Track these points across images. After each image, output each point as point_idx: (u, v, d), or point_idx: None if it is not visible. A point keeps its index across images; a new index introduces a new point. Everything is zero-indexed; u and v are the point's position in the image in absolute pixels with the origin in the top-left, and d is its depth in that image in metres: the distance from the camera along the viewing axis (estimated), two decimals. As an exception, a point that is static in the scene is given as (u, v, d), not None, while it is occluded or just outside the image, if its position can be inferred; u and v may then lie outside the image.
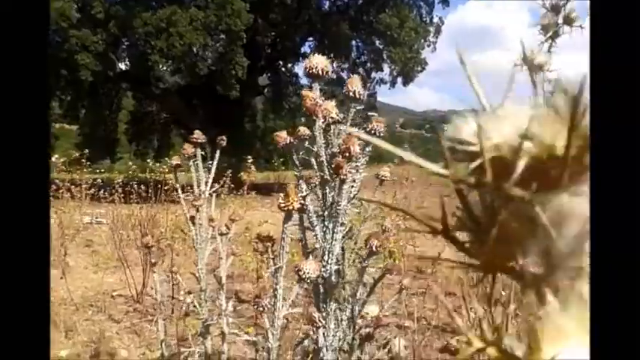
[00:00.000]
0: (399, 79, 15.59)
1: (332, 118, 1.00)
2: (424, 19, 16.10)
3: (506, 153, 0.24)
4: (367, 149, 1.06)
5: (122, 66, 14.04)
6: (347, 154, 0.95)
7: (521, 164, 0.25)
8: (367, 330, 1.02)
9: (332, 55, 16.20)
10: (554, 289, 0.31)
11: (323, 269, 0.98)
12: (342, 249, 1.03)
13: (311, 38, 15.99)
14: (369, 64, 16.67)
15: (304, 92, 1.00)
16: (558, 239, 0.26)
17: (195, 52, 10.40)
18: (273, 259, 0.91)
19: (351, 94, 1.02)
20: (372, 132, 1.07)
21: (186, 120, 13.04)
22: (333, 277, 0.98)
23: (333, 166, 0.93)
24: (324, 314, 0.98)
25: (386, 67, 16.04)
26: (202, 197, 1.67)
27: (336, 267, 0.99)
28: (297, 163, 1.01)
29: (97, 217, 6.68)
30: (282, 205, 0.82)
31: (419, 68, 15.60)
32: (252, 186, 7.43)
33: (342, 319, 1.00)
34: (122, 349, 3.07)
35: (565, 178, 0.27)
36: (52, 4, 10.63)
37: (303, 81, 16.91)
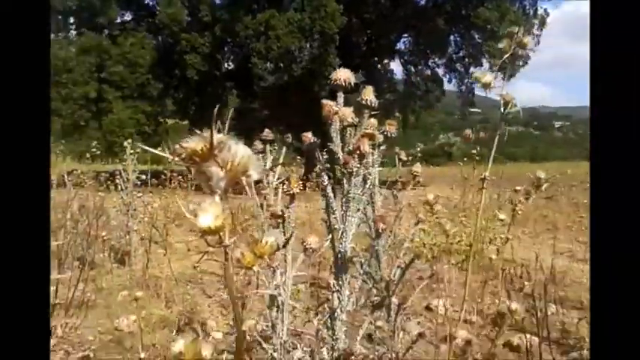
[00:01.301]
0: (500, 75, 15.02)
1: (348, 122, 1.21)
2: (527, 12, 15.37)
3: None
4: (382, 148, 1.27)
5: (228, 66, 15.12)
6: (358, 152, 1.17)
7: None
8: (377, 298, 1.24)
9: (428, 51, 16.06)
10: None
11: (340, 246, 1.22)
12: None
13: (406, 35, 15.97)
14: (467, 59, 16.27)
15: (323, 102, 1.22)
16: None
17: (292, 54, 10.93)
18: (283, 232, 1.16)
19: (364, 102, 1.23)
20: (385, 134, 1.27)
21: (284, 117, 13.72)
22: (348, 252, 1.21)
23: (342, 162, 1.16)
24: (340, 282, 1.22)
25: (485, 63, 15.56)
26: (269, 187, 1.96)
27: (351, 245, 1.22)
28: (320, 159, 1.24)
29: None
30: (285, 190, 1.07)
31: (521, 63, 14.93)
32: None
33: (355, 287, 1.23)
34: (211, 320, 3.50)
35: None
36: (166, 9, 11.82)
37: (398, 76, 16.94)
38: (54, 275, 3.26)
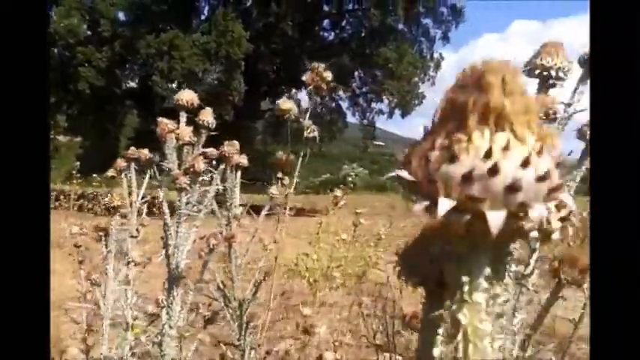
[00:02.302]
0: (397, 112, 16.00)
1: (184, 141, 1.25)
2: (424, 55, 16.60)
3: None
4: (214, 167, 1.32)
5: (127, 84, 14.56)
6: (192, 169, 1.20)
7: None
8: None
9: (333, 84, 16.64)
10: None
11: (173, 261, 1.23)
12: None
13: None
14: (369, 95, 17.11)
15: (159, 119, 1.25)
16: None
17: (195, 75, 10.83)
18: (105, 245, 1.15)
19: (201, 122, 1.28)
20: (224, 153, 1.32)
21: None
22: (178, 269, 1.22)
23: (172, 179, 1.18)
24: (170, 297, 1.23)
25: (385, 99, 16.48)
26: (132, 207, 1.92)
27: (184, 260, 1.24)
28: (156, 175, 1.26)
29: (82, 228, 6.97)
30: (106, 203, 1.07)
31: (417, 101, 16.01)
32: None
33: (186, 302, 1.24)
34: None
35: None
36: (62, 20, 11.21)
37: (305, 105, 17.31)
38: None
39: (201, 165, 1.21)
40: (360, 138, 18.51)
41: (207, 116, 1.28)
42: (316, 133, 1.33)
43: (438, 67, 16.88)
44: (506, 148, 0.24)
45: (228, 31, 10.69)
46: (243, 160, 1.58)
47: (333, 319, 3.45)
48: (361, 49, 15.53)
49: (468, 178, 0.24)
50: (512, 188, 0.23)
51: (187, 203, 1.20)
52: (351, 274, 4.66)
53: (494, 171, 0.23)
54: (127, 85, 14.64)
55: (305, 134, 1.31)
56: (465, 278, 0.27)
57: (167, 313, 1.21)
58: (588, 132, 0.73)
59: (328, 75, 1.29)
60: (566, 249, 0.75)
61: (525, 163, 0.24)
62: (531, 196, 0.24)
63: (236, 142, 1.39)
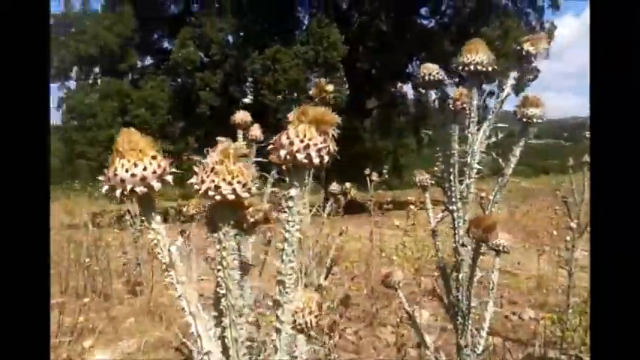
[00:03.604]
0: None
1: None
2: (534, 26, 15.50)
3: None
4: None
5: (246, 100, 15.70)
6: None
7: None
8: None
9: (335, 95, 16.25)
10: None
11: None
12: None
13: (415, 57, 16.27)
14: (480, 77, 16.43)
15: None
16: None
17: (298, 85, 11.37)
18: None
19: (251, 137, 1.52)
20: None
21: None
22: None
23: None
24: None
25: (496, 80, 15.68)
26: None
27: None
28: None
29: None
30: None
31: (530, 77, 15.00)
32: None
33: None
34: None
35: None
36: (180, 50, 12.52)
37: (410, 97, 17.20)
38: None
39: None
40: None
41: (256, 131, 1.53)
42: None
43: (551, 37, 15.64)
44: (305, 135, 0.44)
45: (324, 37, 11.08)
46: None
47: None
48: (463, 31, 14.98)
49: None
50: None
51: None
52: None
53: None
54: (243, 102, 15.79)
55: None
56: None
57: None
58: (526, 112, 0.81)
59: (330, 87, 1.46)
60: (475, 213, 0.84)
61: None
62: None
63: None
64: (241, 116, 1.52)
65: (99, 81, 15.93)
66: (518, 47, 0.88)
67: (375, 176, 3.58)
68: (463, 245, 0.86)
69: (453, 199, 0.89)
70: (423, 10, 16.23)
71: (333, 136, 0.53)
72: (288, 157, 0.53)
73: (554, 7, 15.34)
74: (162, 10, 15.80)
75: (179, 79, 14.90)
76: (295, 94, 11.84)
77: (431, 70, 0.95)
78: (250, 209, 0.68)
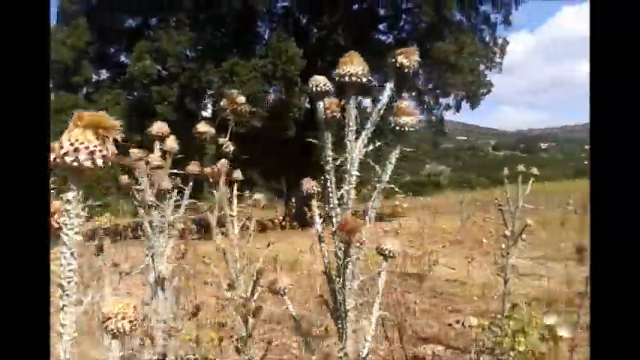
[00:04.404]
0: (464, 104, 15.59)
1: (153, 165, 1.48)
2: (487, 42, 16.04)
3: None
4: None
5: (205, 114, 15.56)
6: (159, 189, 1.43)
7: None
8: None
9: (395, 87, 16.59)
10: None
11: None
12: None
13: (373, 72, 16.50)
14: (437, 91, 16.82)
15: (131, 150, 1.48)
16: None
17: (257, 98, 11.36)
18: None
19: (167, 149, 1.51)
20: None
21: (259, 160, 14.03)
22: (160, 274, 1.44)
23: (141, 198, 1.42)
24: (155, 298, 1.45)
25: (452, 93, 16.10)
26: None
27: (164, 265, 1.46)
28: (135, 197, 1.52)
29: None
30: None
31: (484, 90, 15.50)
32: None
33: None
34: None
35: None
36: (136, 63, 12.32)
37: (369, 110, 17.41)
38: None
39: (167, 184, 1.43)
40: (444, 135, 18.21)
41: (172, 143, 1.51)
42: (231, 148, 1.49)
43: (503, 52, 16.24)
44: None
45: (282, 52, 11.14)
46: (238, 174, 1.76)
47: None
48: (420, 47, 15.34)
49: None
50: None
51: (162, 216, 1.42)
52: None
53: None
54: (202, 116, 15.64)
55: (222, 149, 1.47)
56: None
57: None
58: (399, 121, 0.83)
59: (241, 99, 1.46)
60: (344, 216, 0.86)
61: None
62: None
63: (225, 161, 1.59)
64: (157, 127, 1.49)
65: (52, 95, 15.48)
66: (393, 60, 0.92)
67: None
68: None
69: (331, 205, 0.90)
70: (382, 26, 16.59)
71: (116, 140, 0.54)
72: (57, 160, 0.54)
73: (506, 24, 15.94)
74: (119, 23, 15.54)
75: (135, 93, 14.65)
76: (254, 107, 11.84)
77: (319, 81, 0.96)
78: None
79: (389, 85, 0.95)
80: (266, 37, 14.41)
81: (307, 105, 12.86)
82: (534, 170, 2.76)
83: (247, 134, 14.90)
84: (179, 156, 1.52)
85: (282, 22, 14.37)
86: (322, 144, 0.96)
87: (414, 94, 17.02)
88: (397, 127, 0.92)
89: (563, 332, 1.30)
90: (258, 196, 1.82)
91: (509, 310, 2.46)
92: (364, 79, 0.87)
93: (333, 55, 14.22)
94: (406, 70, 0.92)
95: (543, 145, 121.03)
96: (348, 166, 0.89)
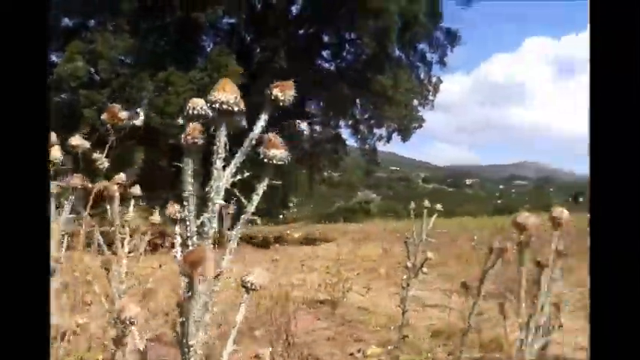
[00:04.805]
0: (395, 136, 16.18)
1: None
2: (422, 80, 16.83)
3: None
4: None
5: (137, 122, 15.05)
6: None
7: None
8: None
9: (331, 113, 16.99)
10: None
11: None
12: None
13: (312, 97, 16.84)
14: (372, 121, 17.33)
15: None
16: None
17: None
18: None
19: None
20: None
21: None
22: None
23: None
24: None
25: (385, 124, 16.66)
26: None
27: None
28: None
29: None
30: None
31: (416, 125, 16.19)
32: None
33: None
34: None
35: None
36: (67, 65, 11.76)
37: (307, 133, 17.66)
38: None
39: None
40: (380, 166, 18.64)
41: (56, 152, 1.46)
42: (105, 165, 1.47)
43: (436, 90, 17.09)
44: None
45: (222, 66, 11.07)
46: (136, 190, 1.70)
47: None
48: (359, 77, 15.83)
49: None
50: None
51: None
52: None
53: None
54: (132, 124, 15.11)
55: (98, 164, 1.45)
56: None
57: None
58: (267, 153, 0.85)
59: (123, 114, 1.45)
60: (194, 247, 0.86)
61: None
62: None
63: (121, 175, 1.54)
64: (76, 141, 1.42)
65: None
66: (269, 92, 0.93)
67: (231, 209, 3.55)
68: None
69: (188, 234, 0.89)
70: (325, 53, 16.97)
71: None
72: None
73: (441, 64, 16.82)
74: (55, 22, 14.84)
75: (63, 95, 13.97)
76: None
77: (196, 104, 0.96)
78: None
79: (263, 117, 0.96)
80: (209, 51, 14.30)
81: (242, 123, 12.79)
82: (438, 206, 2.89)
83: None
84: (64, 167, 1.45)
85: (227, 39, 14.33)
86: (183, 169, 0.95)
87: (350, 122, 17.47)
88: (266, 159, 0.93)
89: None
90: (155, 217, 1.78)
91: (397, 341, 2.53)
92: (235, 108, 0.88)
93: (274, 77, 14.31)
94: (280, 104, 0.94)
95: (468, 182, 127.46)
96: (213, 194, 0.88)
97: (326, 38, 16.78)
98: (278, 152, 1.12)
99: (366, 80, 15.48)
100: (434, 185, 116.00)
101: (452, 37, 16.38)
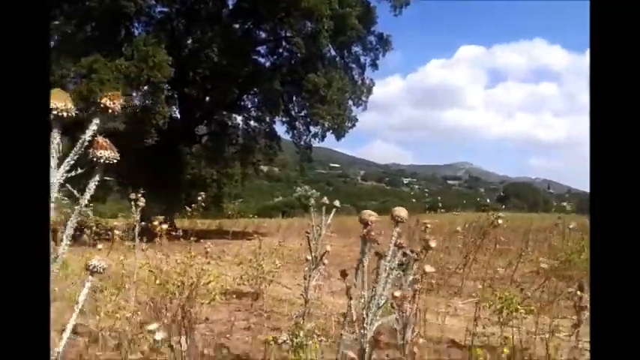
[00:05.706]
0: (329, 134, 16.38)
1: None
2: (356, 80, 17.15)
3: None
4: None
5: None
6: None
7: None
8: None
9: (263, 108, 16.93)
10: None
11: None
12: None
13: (247, 93, 16.73)
14: (308, 119, 17.44)
15: None
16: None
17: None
18: None
19: None
20: None
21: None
22: None
23: None
24: None
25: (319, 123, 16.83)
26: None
27: None
28: None
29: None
30: None
31: (349, 124, 16.46)
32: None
33: None
34: None
35: None
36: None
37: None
38: None
39: None
40: (319, 161, 18.75)
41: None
42: None
43: (369, 92, 17.48)
44: None
45: (150, 57, 10.76)
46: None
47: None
48: (292, 75, 15.90)
49: None
50: None
51: None
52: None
53: None
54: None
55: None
56: None
57: None
58: (96, 154, 0.92)
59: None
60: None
61: None
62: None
63: None
64: None
65: None
66: (99, 100, 1.05)
67: (141, 202, 3.55)
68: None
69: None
70: (261, 48, 16.86)
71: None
72: None
73: (373, 67, 17.23)
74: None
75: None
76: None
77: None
78: None
79: (95, 122, 1.06)
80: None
81: (175, 113, 12.51)
82: (336, 203, 3.04)
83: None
84: None
85: (158, 28, 13.89)
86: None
87: (286, 119, 17.49)
88: (95, 159, 1.04)
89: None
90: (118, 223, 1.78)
91: (294, 327, 2.66)
92: (65, 114, 0.98)
93: (205, 70, 14.11)
94: (109, 112, 1.05)
95: (405, 180, 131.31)
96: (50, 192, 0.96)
97: (263, 35, 16.72)
98: (106, 153, 1.21)
99: (300, 78, 15.57)
100: (372, 182, 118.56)
101: (384, 41, 16.84)
